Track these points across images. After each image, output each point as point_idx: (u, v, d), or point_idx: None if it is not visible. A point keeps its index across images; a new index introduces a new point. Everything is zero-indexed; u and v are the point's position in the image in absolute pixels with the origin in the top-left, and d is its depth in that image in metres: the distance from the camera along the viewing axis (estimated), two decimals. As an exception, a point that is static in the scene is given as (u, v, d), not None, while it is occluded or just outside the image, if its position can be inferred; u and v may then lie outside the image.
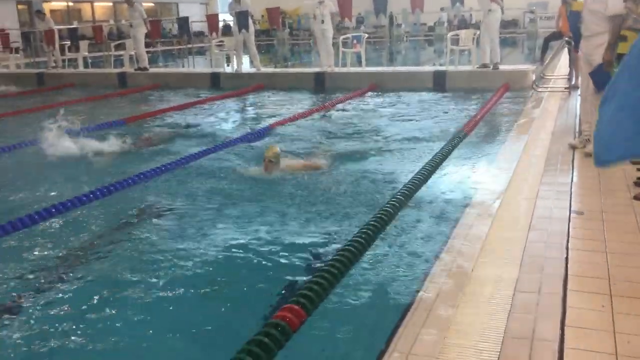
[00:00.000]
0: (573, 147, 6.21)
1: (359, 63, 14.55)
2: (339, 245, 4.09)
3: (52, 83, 16.09)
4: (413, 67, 15.91)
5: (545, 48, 13.27)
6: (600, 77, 5.82)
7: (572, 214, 4.29)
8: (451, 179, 5.86)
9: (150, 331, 3.24)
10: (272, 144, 6.87)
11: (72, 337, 3.15)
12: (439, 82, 12.50)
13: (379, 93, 12.21)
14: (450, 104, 10.80)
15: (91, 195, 5.53)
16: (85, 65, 17.75)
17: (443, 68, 13.21)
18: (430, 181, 5.73)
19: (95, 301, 3.56)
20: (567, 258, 3.52)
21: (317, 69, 14.16)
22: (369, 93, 12.26)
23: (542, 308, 2.94)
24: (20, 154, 7.58)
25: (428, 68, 14.23)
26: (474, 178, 5.80)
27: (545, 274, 3.34)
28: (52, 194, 5.79)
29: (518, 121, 8.37)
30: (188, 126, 9.53)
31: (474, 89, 11.64)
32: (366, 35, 15.64)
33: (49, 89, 15.49)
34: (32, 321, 3.34)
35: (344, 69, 13.92)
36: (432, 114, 9.73)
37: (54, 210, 5.16)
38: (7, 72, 18.02)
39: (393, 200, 4.97)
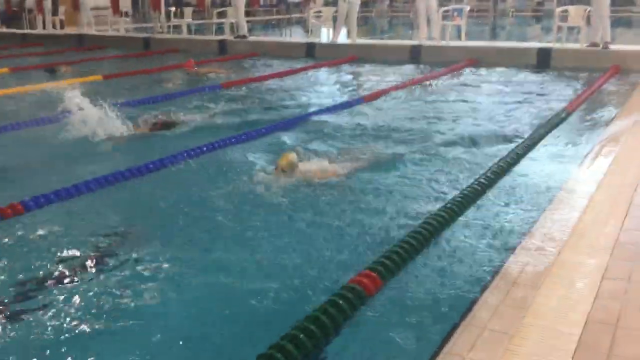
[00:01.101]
0: None
1: (459, 37, 14.15)
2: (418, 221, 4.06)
3: (157, 48, 16.79)
4: (516, 43, 15.25)
5: (662, 28, 12.28)
6: None
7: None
8: (548, 159, 5.65)
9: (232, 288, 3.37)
10: (289, 149, 5.64)
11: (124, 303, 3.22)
12: (543, 60, 11.93)
13: (478, 69, 11.83)
14: (553, 83, 10.31)
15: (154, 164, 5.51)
16: (189, 32, 18.35)
17: (549, 45, 12.58)
18: (525, 160, 5.56)
19: (142, 276, 3.49)
20: (663, 248, 3.32)
21: (413, 42, 13.90)
22: (467, 69, 11.91)
23: (630, 296, 2.79)
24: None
25: (532, 44, 13.60)
26: (572, 160, 5.53)
27: (637, 262, 3.16)
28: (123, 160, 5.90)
29: (624, 105, 7.85)
30: (279, 94, 9.67)
31: (580, 69, 11.02)
32: (468, 7, 15.11)
33: (154, 53, 16.18)
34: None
35: (442, 43, 13.57)
36: (532, 92, 9.33)
37: (107, 179, 5.09)
38: (117, 35, 18.98)
39: (483, 178, 4.87)
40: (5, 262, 3.67)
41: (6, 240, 4.00)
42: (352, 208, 4.47)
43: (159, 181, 5.28)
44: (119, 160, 5.75)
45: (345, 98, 9.19)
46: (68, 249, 3.84)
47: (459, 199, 4.35)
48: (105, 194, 4.93)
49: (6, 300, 3.23)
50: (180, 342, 2.82)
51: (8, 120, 7.46)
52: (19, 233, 4.11)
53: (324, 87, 10.80)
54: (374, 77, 11.40)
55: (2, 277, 3.49)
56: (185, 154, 5.77)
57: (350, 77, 12.12)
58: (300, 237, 3.99)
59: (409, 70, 12.16)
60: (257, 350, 2.53)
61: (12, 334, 2.91)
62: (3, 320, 3.03)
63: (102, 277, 3.46)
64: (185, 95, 9.43)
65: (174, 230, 4.15)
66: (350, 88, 10.63)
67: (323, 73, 12.24)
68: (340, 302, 2.87)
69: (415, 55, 13.23)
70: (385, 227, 4.10)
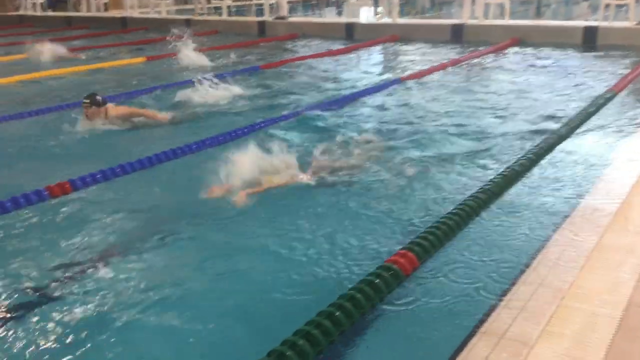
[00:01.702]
0: None
1: (502, 16, 13.81)
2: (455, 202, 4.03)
3: (197, 29, 16.89)
4: (561, 21, 14.80)
5: None
6: None
7: None
8: (592, 141, 5.51)
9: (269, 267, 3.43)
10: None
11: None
12: (589, 39, 11.60)
13: (522, 48, 11.55)
14: (599, 62, 9.99)
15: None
16: (229, 13, 18.39)
17: (595, 23, 12.18)
18: (568, 141, 5.45)
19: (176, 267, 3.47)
20: None
21: (456, 21, 13.64)
22: (511, 48, 11.64)
23: (676, 281, 2.73)
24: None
25: (578, 23, 13.18)
26: (617, 142, 5.39)
27: (684, 246, 3.08)
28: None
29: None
30: (317, 75, 9.63)
31: (628, 48, 10.65)
32: (512, -15, 14.71)
33: (195, 34, 16.28)
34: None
35: (485, 22, 13.28)
36: (577, 72, 9.08)
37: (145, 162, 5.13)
38: (159, 17, 19.16)
39: (524, 159, 4.79)
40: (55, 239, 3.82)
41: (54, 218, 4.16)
42: (391, 187, 4.46)
43: (179, 168, 5.27)
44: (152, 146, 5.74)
45: (384, 78, 9.10)
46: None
47: (499, 180, 4.30)
48: (133, 179, 4.97)
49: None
50: (214, 316, 2.89)
51: (51, 102, 7.68)
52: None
53: (363, 67, 10.70)
54: (416, 57, 11.25)
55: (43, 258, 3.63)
56: (221, 138, 5.82)
57: (391, 57, 11.99)
58: (340, 216, 4.01)
59: (450, 50, 11.94)
60: (295, 326, 2.57)
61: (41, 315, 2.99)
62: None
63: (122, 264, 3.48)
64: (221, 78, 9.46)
65: (204, 215, 4.20)
66: (390, 68, 10.52)
67: (363, 53, 12.13)
68: (377, 281, 2.88)
69: (457, 34, 13.00)
70: (424, 207, 4.09)
